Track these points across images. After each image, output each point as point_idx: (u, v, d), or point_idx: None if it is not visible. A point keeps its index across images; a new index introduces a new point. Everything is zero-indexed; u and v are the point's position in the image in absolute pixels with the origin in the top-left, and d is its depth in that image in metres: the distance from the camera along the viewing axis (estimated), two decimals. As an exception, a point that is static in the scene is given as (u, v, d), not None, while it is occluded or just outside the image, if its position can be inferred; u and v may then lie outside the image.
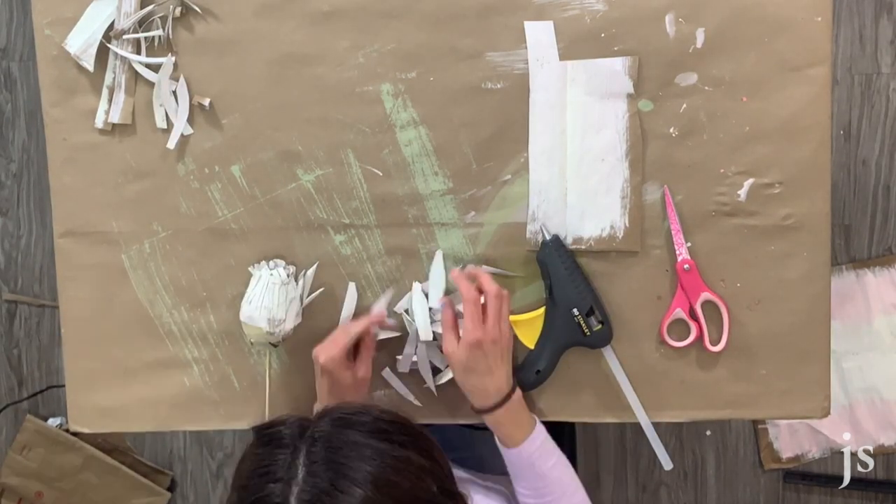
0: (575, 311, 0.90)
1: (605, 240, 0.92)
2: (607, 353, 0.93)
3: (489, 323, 0.86)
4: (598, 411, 0.95)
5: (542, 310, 0.92)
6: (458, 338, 0.87)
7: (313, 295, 0.94)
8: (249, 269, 0.94)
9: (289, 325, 0.90)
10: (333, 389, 0.88)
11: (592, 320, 0.91)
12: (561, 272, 0.90)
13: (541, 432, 0.89)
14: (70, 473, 1.80)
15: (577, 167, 0.91)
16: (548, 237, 0.91)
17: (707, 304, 0.92)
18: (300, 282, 0.93)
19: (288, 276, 0.91)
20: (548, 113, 0.91)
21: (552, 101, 0.91)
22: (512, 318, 0.91)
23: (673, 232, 0.92)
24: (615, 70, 0.90)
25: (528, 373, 0.92)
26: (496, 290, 0.87)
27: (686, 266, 0.91)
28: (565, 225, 0.92)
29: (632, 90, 0.90)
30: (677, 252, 0.92)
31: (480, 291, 0.87)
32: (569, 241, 0.92)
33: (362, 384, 0.91)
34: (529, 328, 0.92)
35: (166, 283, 0.97)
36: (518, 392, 0.89)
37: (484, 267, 0.93)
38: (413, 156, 0.94)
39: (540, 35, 0.90)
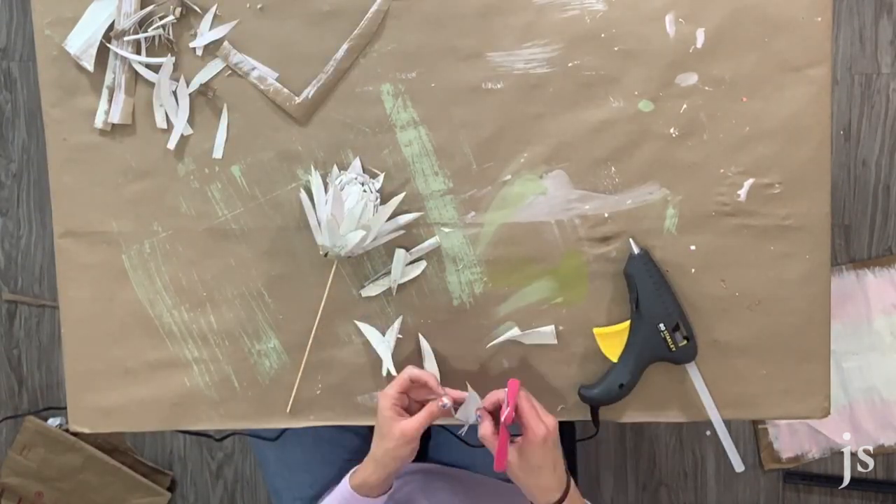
0: (661, 325, 0.90)
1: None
2: (691, 369, 0.93)
3: (544, 416, 0.84)
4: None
5: (627, 323, 0.91)
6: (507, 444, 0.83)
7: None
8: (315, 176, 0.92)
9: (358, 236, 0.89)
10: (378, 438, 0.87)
11: (678, 335, 0.90)
12: (649, 286, 0.90)
13: None
14: (70, 473, 1.80)
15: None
16: (636, 251, 0.91)
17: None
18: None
19: (362, 184, 0.91)
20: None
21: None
22: (596, 330, 0.92)
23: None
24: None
25: (611, 386, 0.91)
26: (519, 389, 0.84)
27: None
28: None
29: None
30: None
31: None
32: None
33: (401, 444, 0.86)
34: (614, 341, 0.92)
35: (166, 283, 0.97)
36: (571, 482, 0.87)
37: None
38: (413, 156, 0.94)
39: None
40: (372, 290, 0.95)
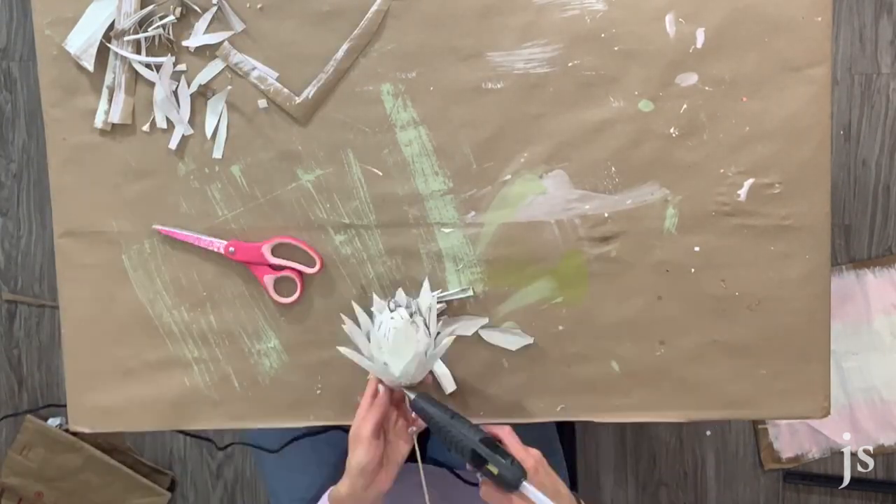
0: (467, 466, 0.83)
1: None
2: (528, 490, 0.80)
3: (528, 449, 0.84)
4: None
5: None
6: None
7: (445, 340, 0.87)
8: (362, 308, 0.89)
9: (414, 370, 0.85)
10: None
11: (498, 457, 0.80)
12: (442, 423, 0.83)
13: None
14: (70, 473, 1.80)
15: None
16: (412, 397, 0.85)
17: (279, 247, 0.94)
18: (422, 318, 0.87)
19: (411, 315, 0.87)
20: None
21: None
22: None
23: None
24: None
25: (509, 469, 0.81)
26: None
27: (231, 249, 0.93)
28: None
29: None
30: (216, 248, 0.94)
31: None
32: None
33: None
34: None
35: (166, 283, 0.97)
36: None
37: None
38: (413, 156, 0.94)
39: None
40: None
